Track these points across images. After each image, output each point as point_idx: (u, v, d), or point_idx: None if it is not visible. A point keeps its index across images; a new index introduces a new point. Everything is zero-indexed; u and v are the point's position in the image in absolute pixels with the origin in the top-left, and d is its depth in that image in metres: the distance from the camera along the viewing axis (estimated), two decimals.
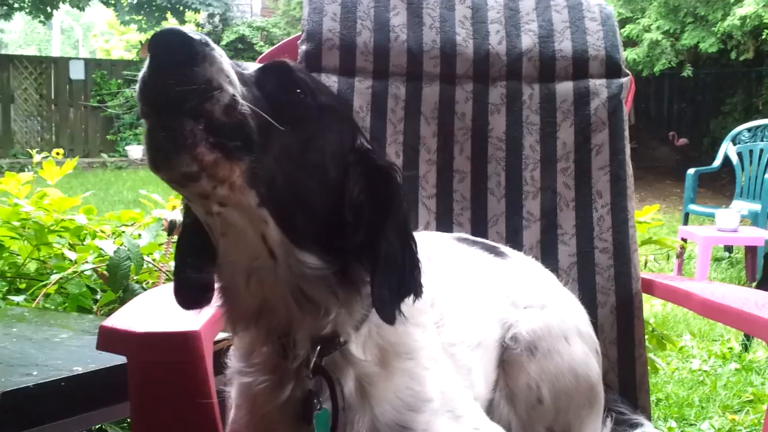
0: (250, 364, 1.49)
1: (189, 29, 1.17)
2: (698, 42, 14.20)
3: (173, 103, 1.14)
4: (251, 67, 1.35)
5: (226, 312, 1.43)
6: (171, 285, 1.53)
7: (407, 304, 1.42)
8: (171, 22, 22.29)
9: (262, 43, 20.08)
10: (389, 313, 1.38)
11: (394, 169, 1.42)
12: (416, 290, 1.43)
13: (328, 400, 1.44)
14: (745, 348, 5.16)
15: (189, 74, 1.14)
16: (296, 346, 1.40)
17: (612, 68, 2.53)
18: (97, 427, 2.72)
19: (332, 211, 1.35)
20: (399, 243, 1.39)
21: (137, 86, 1.16)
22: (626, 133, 2.50)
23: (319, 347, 1.41)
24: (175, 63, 1.14)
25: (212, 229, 1.32)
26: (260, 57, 2.58)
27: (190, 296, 1.49)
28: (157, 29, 1.11)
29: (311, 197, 1.33)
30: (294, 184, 1.29)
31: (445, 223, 2.44)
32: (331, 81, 2.46)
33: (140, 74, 1.16)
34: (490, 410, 1.79)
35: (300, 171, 1.30)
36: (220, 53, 1.18)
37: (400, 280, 1.39)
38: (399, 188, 1.41)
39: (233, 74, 1.20)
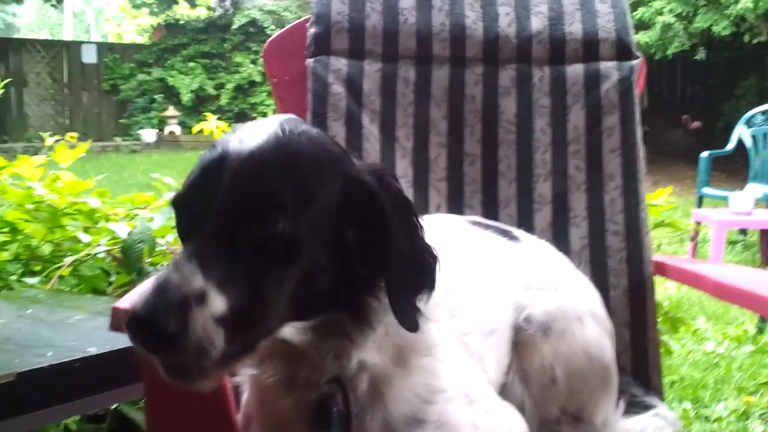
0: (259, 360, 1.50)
1: (161, 290, 1.17)
2: (711, 25, 14.12)
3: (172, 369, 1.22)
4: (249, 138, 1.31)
5: None
6: None
7: (424, 302, 1.44)
8: (182, 6, 22.30)
9: (273, 27, 20.06)
10: (412, 322, 1.40)
11: (369, 181, 1.39)
12: (432, 285, 1.44)
13: (341, 404, 1.45)
14: (760, 331, 5.16)
15: (174, 353, 1.17)
16: (315, 363, 1.43)
17: (623, 50, 2.51)
18: (113, 407, 2.75)
19: (338, 279, 1.35)
20: (408, 247, 1.40)
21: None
22: (638, 116, 2.49)
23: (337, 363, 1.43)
24: (157, 347, 1.18)
25: None
26: (269, 39, 2.58)
27: None
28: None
29: (316, 300, 1.35)
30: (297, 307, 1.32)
31: (455, 206, 2.44)
32: (341, 64, 2.46)
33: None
34: (504, 392, 1.79)
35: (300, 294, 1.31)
36: (201, 319, 1.18)
37: (415, 287, 1.41)
38: (379, 197, 1.38)
39: (216, 307, 1.19)
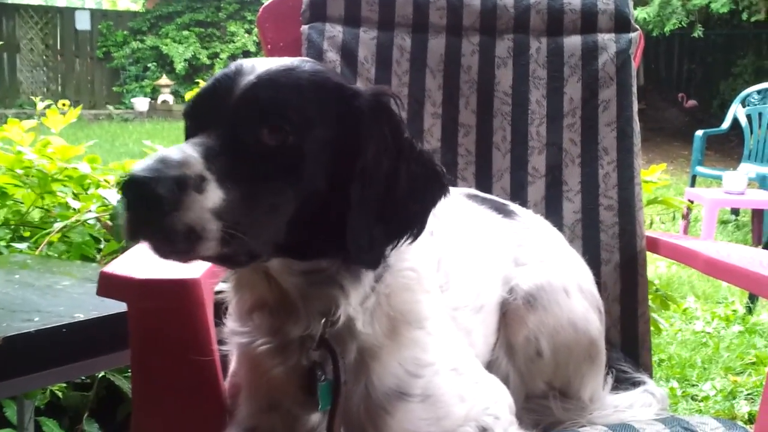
0: (247, 326, 1.49)
1: (163, 161, 1.17)
2: (709, 2, 14.06)
3: (164, 245, 1.20)
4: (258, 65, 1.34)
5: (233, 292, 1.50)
6: None
7: (401, 248, 1.41)
8: None
9: None
10: (368, 260, 1.37)
11: (363, 102, 1.37)
12: (415, 230, 1.41)
13: (331, 372, 1.44)
14: (749, 311, 5.16)
15: (167, 226, 1.16)
16: (302, 319, 1.42)
17: (621, 23, 2.49)
18: (99, 375, 2.74)
19: (335, 217, 1.34)
20: (386, 170, 1.36)
21: (124, 223, 1.18)
22: (634, 90, 2.47)
23: (324, 319, 1.41)
24: (150, 218, 1.16)
25: None
26: (264, 5, 2.55)
27: None
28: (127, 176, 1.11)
29: (308, 224, 1.33)
30: (284, 223, 1.30)
31: (449, 178, 2.41)
32: (336, 31, 2.44)
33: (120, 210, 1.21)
34: (489, 367, 1.79)
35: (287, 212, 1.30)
36: (198, 196, 1.17)
37: (387, 222, 1.36)
38: (363, 113, 1.36)
39: (213, 199, 1.19)
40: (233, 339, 1.54)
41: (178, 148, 1.20)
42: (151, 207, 1.14)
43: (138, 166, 1.15)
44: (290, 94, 1.31)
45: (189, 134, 1.32)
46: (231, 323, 1.54)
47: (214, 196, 1.18)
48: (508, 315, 1.83)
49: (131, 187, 1.14)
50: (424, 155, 1.43)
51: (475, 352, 1.69)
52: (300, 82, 1.33)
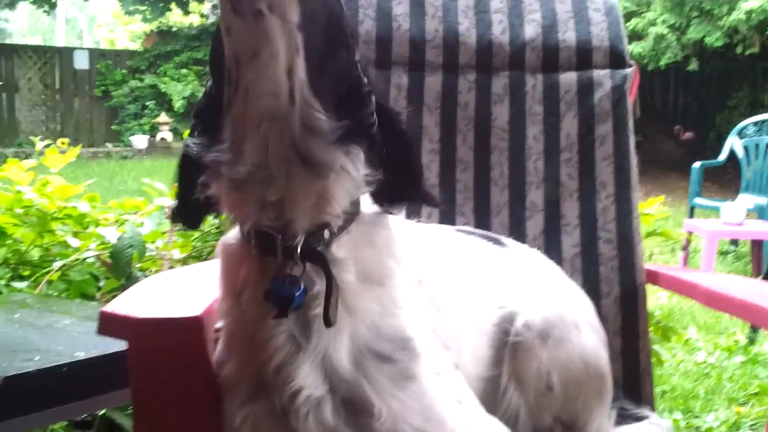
0: (240, 298, 1.46)
1: None
2: (704, 36, 14.17)
3: None
4: None
5: (222, 180, 1.38)
6: (173, 270, 1.54)
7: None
8: (175, 13, 22.31)
9: None
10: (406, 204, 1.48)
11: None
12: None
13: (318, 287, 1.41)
14: (751, 341, 5.15)
15: None
16: (288, 228, 1.38)
17: (616, 59, 2.52)
18: (100, 413, 2.73)
19: (350, 74, 1.38)
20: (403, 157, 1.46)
21: None
22: (630, 124, 2.49)
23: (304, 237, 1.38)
24: None
25: (241, 57, 1.29)
26: None
27: (194, 214, 1.53)
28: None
29: (337, 44, 1.34)
30: (323, 19, 1.31)
31: (448, 213, 2.43)
32: None
33: None
34: (500, 399, 1.78)
35: (328, 10, 1.32)
36: None
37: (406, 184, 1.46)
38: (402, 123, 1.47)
39: None
40: (227, 317, 1.51)
41: None
42: None
43: None
44: None
45: None
46: (224, 303, 1.51)
47: None
48: (520, 348, 1.82)
49: None
50: None
51: (461, 360, 1.66)
52: None
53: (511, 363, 1.82)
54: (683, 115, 18.63)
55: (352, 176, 1.38)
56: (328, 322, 1.39)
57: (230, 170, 1.36)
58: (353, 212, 1.45)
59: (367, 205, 1.50)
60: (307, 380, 1.41)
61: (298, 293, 1.38)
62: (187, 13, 22.84)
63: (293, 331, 1.41)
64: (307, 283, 1.40)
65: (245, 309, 1.45)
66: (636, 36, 14.51)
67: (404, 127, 1.48)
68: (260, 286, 1.41)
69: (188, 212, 1.52)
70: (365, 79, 1.42)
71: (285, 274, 1.39)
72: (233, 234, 1.50)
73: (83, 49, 23.02)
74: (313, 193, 1.36)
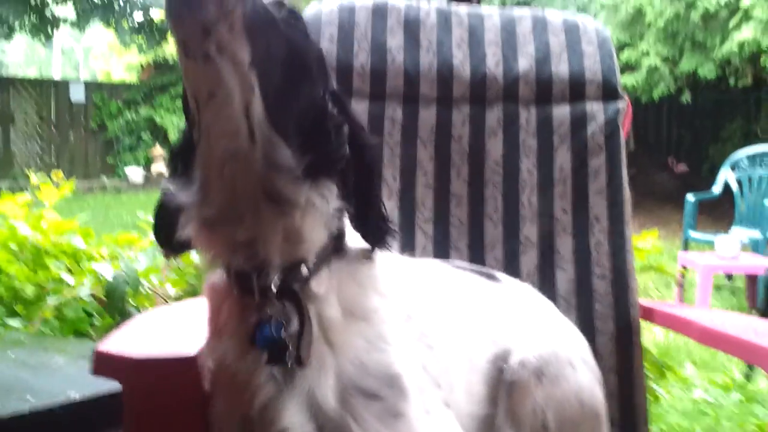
0: (221, 336, 1.45)
1: None
2: (697, 68, 14.24)
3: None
4: None
5: (194, 221, 1.38)
6: (165, 307, 1.53)
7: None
8: (171, 45, 22.37)
9: None
10: (376, 238, 1.46)
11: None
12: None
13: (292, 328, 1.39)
14: (747, 378, 5.13)
15: None
16: (263, 266, 1.37)
17: (609, 91, 2.53)
18: None
19: (314, 107, 1.37)
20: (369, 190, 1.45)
21: None
22: (623, 157, 2.50)
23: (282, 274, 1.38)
24: None
25: (199, 100, 1.29)
26: None
27: (175, 251, 1.52)
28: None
29: (298, 79, 1.34)
30: (280, 55, 1.31)
31: (442, 248, 2.42)
32: None
33: None
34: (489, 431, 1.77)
35: (287, 46, 1.32)
36: None
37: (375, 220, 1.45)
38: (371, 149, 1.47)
39: None
40: (211, 356, 1.49)
41: None
42: None
43: None
44: None
45: None
46: (207, 345, 1.50)
47: None
48: (515, 386, 1.81)
49: None
50: None
51: (453, 398, 1.64)
52: None
53: (506, 401, 1.81)
54: (677, 146, 18.68)
55: (321, 210, 1.38)
56: (300, 361, 1.38)
57: (200, 211, 1.36)
58: (336, 247, 1.45)
59: (354, 240, 1.50)
60: (293, 419, 1.39)
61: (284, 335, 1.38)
62: None
63: (273, 371, 1.41)
64: (285, 322, 1.39)
65: (226, 348, 1.44)
66: (629, 67, 14.58)
67: (371, 160, 1.48)
68: (241, 325, 1.41)
69: (168, 250, 1.53)
70: (334, 111, 1.42)
71: (268, 316, 1.39)
72: (219, 272, 1.49)
73: (79, 81, 23.08)
74: (281, 230, 1.35)
